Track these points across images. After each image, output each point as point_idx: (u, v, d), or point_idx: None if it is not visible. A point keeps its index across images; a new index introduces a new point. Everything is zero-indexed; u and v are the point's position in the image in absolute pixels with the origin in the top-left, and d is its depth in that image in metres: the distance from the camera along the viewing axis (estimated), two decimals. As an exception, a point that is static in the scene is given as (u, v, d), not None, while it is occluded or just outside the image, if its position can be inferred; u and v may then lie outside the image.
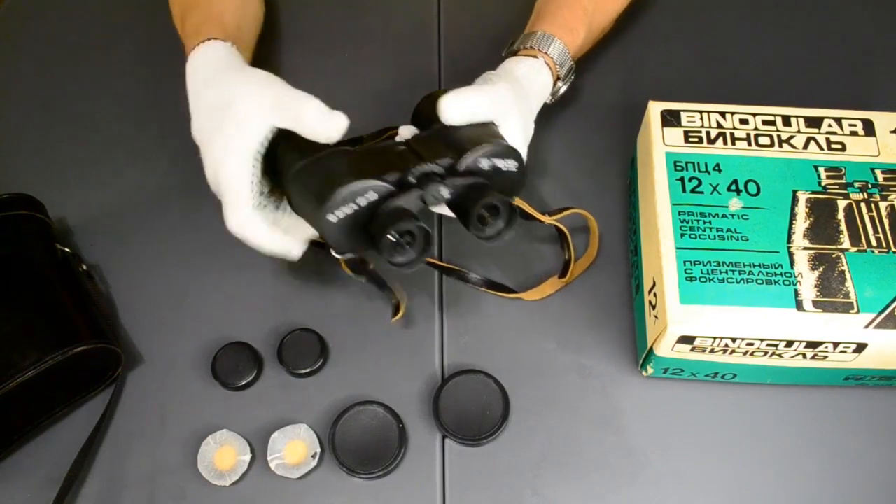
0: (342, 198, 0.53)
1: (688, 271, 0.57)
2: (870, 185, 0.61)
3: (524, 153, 0.61)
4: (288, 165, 0.57)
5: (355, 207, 0.54)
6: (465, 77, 0.80)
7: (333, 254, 0.57)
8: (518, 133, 0.60)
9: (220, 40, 0.62)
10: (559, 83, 0.70)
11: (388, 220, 0.54)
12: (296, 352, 0.64)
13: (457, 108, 0.58)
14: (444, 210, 0.59)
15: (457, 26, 0.84)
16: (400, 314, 0.64)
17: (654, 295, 0.59)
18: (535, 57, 0.67)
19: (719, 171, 0.62)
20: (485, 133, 0.59)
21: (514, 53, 0.68)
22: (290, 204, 0.59)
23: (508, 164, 0.58)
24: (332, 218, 0.53)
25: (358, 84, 0.80)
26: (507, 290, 0.66)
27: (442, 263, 0.68)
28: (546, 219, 0.64)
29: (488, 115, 0.59)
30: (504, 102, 0.60)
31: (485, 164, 0.57)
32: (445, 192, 0.56)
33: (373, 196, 0.54)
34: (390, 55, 0.82)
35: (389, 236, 0.53)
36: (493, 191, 0.56)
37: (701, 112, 0.64)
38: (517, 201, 0.61)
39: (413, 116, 0.64)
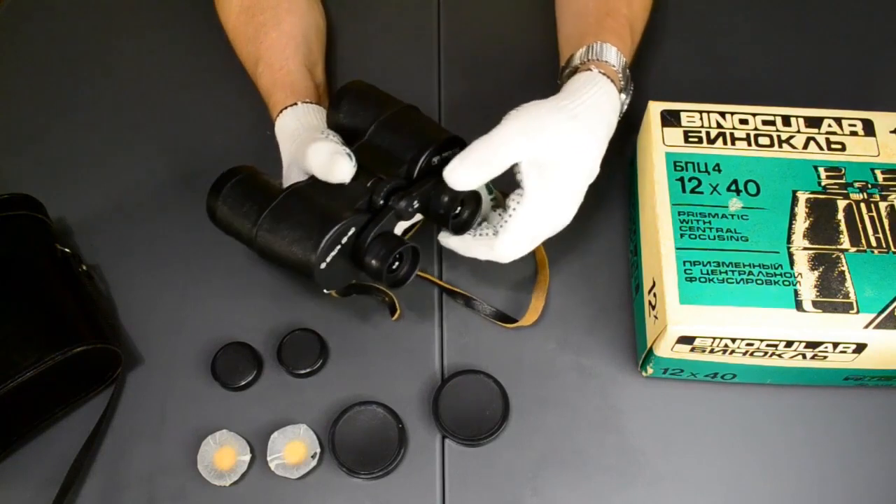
0: (328, 245, 0.54)
1: (687, 271, 0.57)
2: (870, 186, 0.61)
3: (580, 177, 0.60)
4: (242, 219, 0.57)
5: (339, 247, 0.55)
6: (465, 77, 0.80)
7: (325, 291, 0.59)
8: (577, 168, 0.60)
9: (288, 108, 0.65)
10: (623, 95, 0.65)
11: (380, 251, 0.55)
12: (295, 352, 0.64)
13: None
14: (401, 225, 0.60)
15: (457, 26, 0.84)
16: (398, 311, 0.64)
17: (654, 295, 0.59)
18: (592, 70, 0.62)
19: (719, 171, 0.62)
20: (420, 129, 0.60)
21: (574, 72, 0.64)
22: (260, 253, 0.57)
23: (454, 151, 0.59)
24: (322, 266, 0.54)
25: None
26: (509, 319, 0.65)
27: (449, 287, 0.67)
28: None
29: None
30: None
31: (435, 159, 0.59)
32: (416, 203, 0.57)
33: (352, 231, 0.55)
34: (390, 55, 0.82)
35: (387, 264, 0.55)
36: None
37: (701, 112, 0.64)
38: None
39: (334, 100, 0.62)
